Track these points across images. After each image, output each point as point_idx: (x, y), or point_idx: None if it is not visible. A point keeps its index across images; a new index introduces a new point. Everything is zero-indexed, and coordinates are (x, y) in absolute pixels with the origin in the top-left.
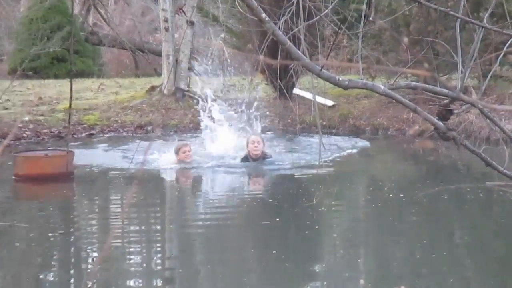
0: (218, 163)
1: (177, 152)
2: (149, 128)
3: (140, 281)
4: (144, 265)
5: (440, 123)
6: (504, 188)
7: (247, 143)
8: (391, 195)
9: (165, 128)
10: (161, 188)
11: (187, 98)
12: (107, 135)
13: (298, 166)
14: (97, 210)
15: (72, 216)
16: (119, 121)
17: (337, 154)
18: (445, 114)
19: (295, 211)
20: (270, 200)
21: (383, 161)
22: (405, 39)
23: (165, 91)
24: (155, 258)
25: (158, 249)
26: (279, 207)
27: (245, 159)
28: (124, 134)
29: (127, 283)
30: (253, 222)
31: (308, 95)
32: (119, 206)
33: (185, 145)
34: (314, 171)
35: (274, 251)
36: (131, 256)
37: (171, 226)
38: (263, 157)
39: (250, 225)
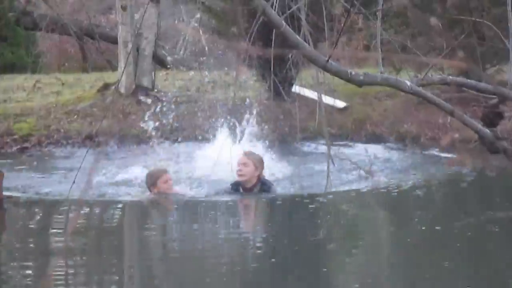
0: (200, 193)
1: (153, 183)
2: (101, 139)
3: None
4: None
5: (486, 130)
6: None
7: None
8: (423, 228)
9: (122, 140)
10: (123, 226)
11: (151, 99)
12: (46, 149)
13: (302, 193)
14: (32, 252)
15: None
16: (62, 130)
17: (354, 173)
18: (492, 118)
19: (295, 249)
20: (264, 236)
21: (410, 181)
22: (434, 20)
23: (123, 90)
24: None
25: None
26: (275, 245)
27: (235, 186)
28: (69, 147)
29: None
30: (240, 265)
31: (311, 95)
32: (63, 248)
33: (165, 172)
34: (321, 198)
35: None
36: None
37: (131, 274)
38: (261, 184)
39: (235, 269)
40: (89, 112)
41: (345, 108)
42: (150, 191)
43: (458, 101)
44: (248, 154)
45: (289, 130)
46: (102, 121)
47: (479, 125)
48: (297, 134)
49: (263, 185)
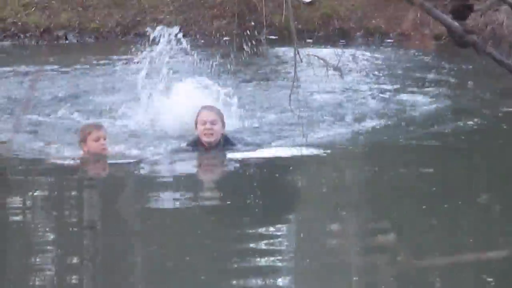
0: (148, 152)
1: (83, 139)
2: (60, 33)
3: None
4: None
5: (456, 24)
6: None
7: (196, 121)
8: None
9: (82, 34)
10: (49, 196)
11: None
12: (2, 43)
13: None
14: None
15: None
16: (19, 23)
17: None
18: (462, 11)
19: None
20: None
21: (375, 81)
22: None
23: None
24: None
25: None
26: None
27: (193, 145)
28: (26, 41)
29: None
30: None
31: None
32: None
33: (98, 129)
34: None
35: None
36: None
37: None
38: (224, 141)
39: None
40: (47, 5)
41: (312, 3)
42: (82, 149)
43: None
44: (213, 109)
45: (253, 25)
46: (62, 14)
47: (449, 18)
48: (263, 29)
49: (227, 143)
